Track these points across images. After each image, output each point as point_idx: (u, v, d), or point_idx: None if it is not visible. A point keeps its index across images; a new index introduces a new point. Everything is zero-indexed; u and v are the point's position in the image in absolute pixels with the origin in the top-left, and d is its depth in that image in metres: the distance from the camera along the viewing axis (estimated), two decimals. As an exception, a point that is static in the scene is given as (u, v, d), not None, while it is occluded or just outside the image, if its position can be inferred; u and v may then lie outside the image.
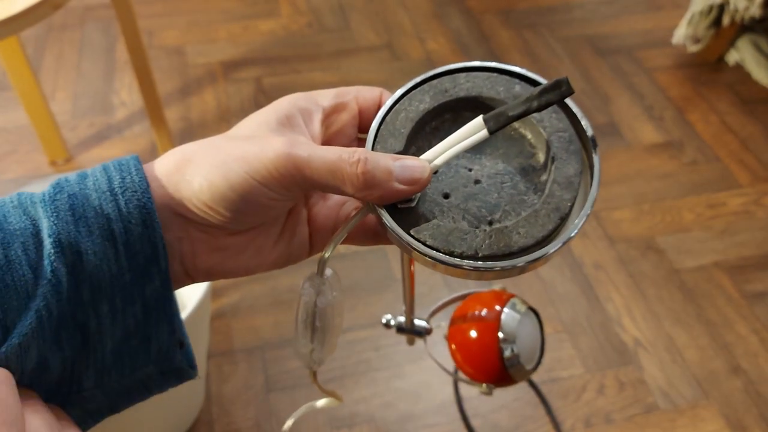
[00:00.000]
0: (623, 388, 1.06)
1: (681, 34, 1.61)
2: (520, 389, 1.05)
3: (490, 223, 0.30)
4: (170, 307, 0.29)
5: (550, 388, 1.05)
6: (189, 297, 0.93)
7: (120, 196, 0.27)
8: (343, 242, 0.32)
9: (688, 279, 1.20)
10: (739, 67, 1.64)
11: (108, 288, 0.27)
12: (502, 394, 1.04)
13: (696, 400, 1.04)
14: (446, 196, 0.31)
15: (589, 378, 1.07)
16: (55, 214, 0.27)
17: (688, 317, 1.15)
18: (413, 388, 1.04)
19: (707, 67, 1.65)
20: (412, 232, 0.29)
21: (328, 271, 0.33)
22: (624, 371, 1.07)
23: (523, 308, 0.45)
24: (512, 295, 0.46)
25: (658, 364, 1.08)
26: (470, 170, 0.32)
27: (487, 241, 0.29)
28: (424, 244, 0.29)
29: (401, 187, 0.29)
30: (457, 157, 0.32)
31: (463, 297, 0.50)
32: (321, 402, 0.41)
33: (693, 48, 1.63)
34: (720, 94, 1.58)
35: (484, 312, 0.45)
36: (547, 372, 1.07)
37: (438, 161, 0.30)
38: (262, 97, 1.53)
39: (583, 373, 1.07)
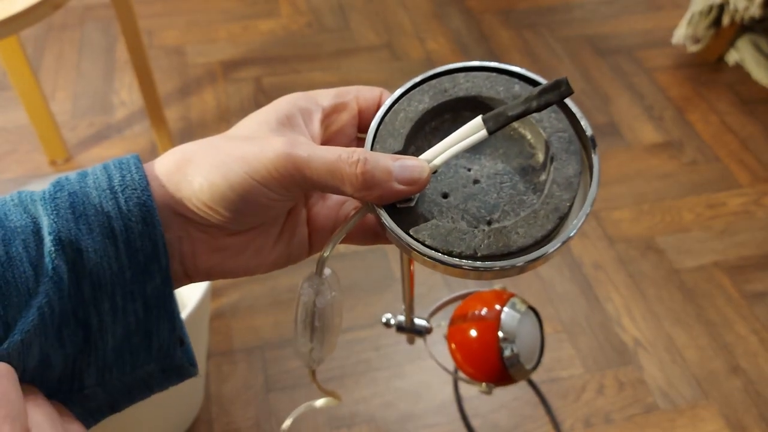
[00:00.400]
0: (623, 388, 1.06)
1: (681, 34, 1.61)
2: (520, 389, 1.05)
3: (489, 223, 0.30)
4: (171, 304, 0.29)
5: (550, 387, 1.05)
6: (189, 297, 0.93)
7: (120, 194, 0.27)
8: (343, 242, 0.32)
9: (687, 279, 1.20)
10: (738, 67, 1.64)
11: (109, 285, 0.27)
12: (501, 393, 1.04)
13: (696, 400, 1.04)
14: (445, 196, 0.31)
15: (588, 378, 1.07)
16: (55, 212, 0.27)
17: (688, 317, 1.15)
18: (413, 388, 1.04)
19: (707, 67, 1.65)
20: (411, 232, 0.29)
21: (326, 271, 0.33)
22: (623, 371, 1.08)
23: (522, 308, 0.45)
24: (512, 295, 0.47)
25: (658, 364, 1.08)
26: (469, 170, 0.32)
27: (486, 241, 0.29)
28: (423, 244, 0.29)
29: (400, 187, 0.29)
30: (457, 157, 0.32)
31: (463, 296, 0.50)
32: (320, 401, 0.41)
33: (693, 48, 1.63)
34: (720, 94, 1.58)
35: (483, 311, 0.45)
36: (546, 372, 1.07)
37: (437, 161, 0.30)
38: (262, 97, 1.53)
39: (582, 373, 1.07)
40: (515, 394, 1.04)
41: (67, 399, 0.28)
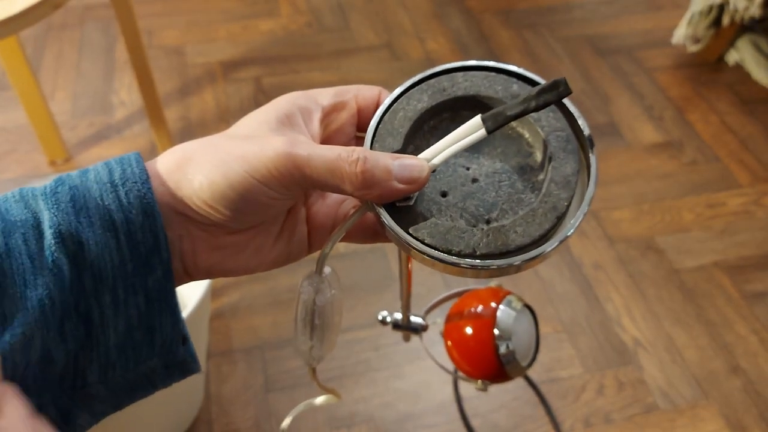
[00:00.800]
0: (623, 388, 1.06)
1: (681, 34, 1.62)
2: (519, 389, 1.05)
3: (488, 222, 0.31)
4: (172, 299, 0.29)
5: (550, 387, 1.05)
6: (189, 296, 0.93)
7: (120, 188, 0.28)
8: (342, 240, 0.32)
9: (687, 279, 1.20)
10: (738, 67, 1.64)
11: (110, 278, 0.28)
12: (501, 393, 1.04)
13: (696, 400, 1.04)
14: (444, 194, 0.31)
15: (588, 378, 1.07)
16: (55, 205, 0.27)
17: (688, 317, 1.15)
18: (412, 388, 1.05)
19: (707, 67, 1.65)
20: (410, 231, 0.30)
21: (326, 270, 0.33)
22: (623, 371, 1.08)
23: (518, 305, 0.45)
24: (508, 292, 0.47)
25: (658, 364, 1.09)
26: (468, 169, 0.32)
27: (484, 240, 0.29)
28: (422, 242, 0.29)
29: (400, 186, 0.29)
30: (455, 155, 0.32)
31: (459, 294, 0.51)
32: (320, 399, 0.41)
33: (693, 48, 1.63)
34: (720, 94, 1.58)
35: (479, 309, 0.46)
36: (546, 372, 1.07)
37: (436, 160, 0.30)
38: (261, 97, 1.53)
39: (582, 373, 1.07)
40: (515, 394, 1.04)
41: (70, 398, 0.29)
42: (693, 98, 1.57)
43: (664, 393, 1.05)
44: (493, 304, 0.45)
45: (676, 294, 1.18)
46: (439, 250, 0.29)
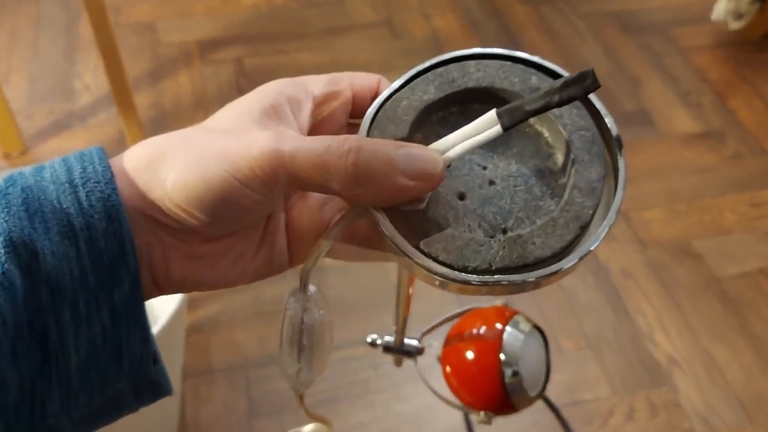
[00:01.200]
0: (656, 413, 1.06)
1: (721, 9, 1.62)
2: (538, 413, 1.04)
3: (504, 232, 0.30)
4: (142, 314, 0.29)
5: (573, 411, 1.05)
6: (161, 309, 0.92)
7: (80, 188, 0.27)
8: (326, 256, 0.32)
9: (729, 287, 1.20)
10: (787, 47, 1.64)
11: (69, 292, 0.27)
12: (517, 419, 1.04)
13: (739, 425, 1.04)
14: (462, 197, 0.31)
15: (616, 401, 1.07)
16: (6, 209, 0.27)
17: (730, 331, 1.15)
18: (416, 412, 1.04)
19: (751, 46, 1.65)
20: (421, 246, 0.28)
21: (311, 288, 0.33)
22: (656, 393, 1.08)
23: (527, 327, 0.45)
24: (515, 312, 0.47)
25: (696, 385, 1.09)
26: (485, 168, 0.32)
27: (500, 253, 0.28)
28: (435, 260, 0.28)
29: (407, 182, 0.28)
30: (470, 152, 0.31)
31: (459, 314, 0.50)
32: (307, 428, 0.41)
33: (735, 25, 1.63)
34: (766, 77, 1.58)
35: (483, 330, 0.45)
36: (568, 393, 1.07)
37: (452, 153, 0.29)
38: (243, 81, 1.53)
39: (609, 395, 1.07)
40: (533, 419, 1.04)
41: (27, 428, 0.28)
42: (735, 82, 1.57)
43: (703, 417, 1.05)
44: (499, 326, 0.45)
45: (716, 305, 1.18)
46: (454, 269, 0.28)
